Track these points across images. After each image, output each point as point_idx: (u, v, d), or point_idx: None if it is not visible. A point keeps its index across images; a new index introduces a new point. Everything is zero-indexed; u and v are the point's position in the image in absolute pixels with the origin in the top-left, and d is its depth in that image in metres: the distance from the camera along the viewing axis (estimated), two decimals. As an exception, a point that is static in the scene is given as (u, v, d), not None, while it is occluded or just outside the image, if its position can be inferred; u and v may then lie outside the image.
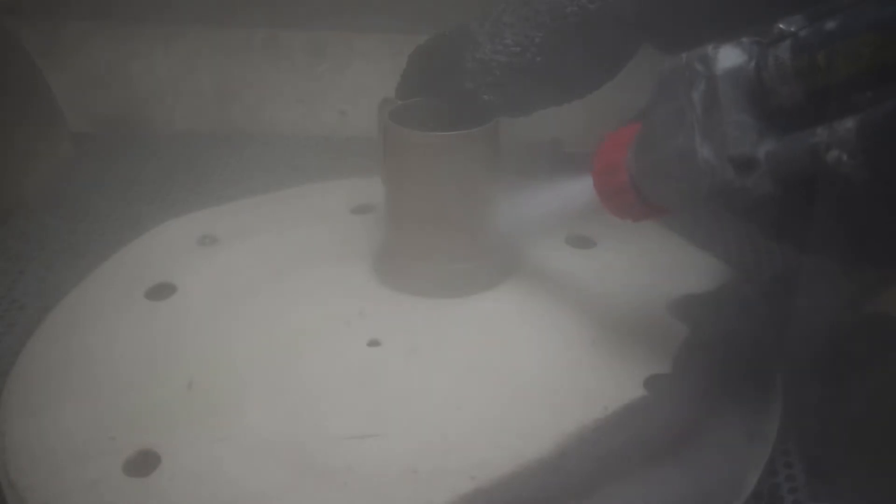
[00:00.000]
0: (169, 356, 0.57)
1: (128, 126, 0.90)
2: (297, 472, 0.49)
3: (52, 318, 0.62)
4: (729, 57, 0.45)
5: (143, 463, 0.49)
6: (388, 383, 0.55)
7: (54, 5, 0.89)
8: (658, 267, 0.64)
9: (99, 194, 0.79)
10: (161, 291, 0.63)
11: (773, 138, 0.44)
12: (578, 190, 0.55)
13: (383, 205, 0.65)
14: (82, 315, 0.62)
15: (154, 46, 0.91)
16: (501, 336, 0.59)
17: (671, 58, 0.47)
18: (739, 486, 0.49)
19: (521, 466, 0.49)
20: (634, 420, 0.52)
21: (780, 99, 0.43)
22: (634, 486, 0.48)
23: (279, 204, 0.75)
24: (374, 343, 0.58)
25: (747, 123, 0.44)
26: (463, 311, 0.61)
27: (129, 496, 0.48)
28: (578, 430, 0.51)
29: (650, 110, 0.49)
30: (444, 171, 0.60)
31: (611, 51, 0.62)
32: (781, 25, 0.43)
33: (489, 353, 0.57)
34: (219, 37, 0.92)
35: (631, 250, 0.66)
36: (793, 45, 0.43)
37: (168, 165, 0.84)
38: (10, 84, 0.79)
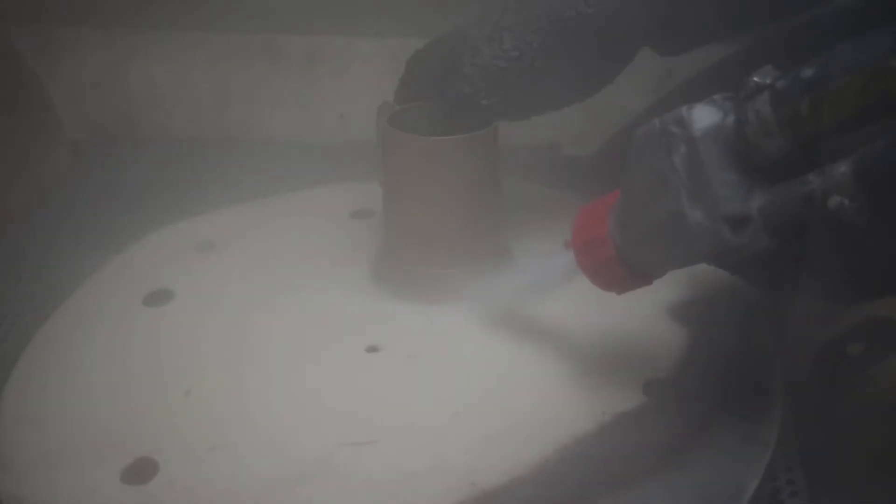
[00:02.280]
0: (167, 363, 0.57)
1: (125, 132, 0.90)
2: (295, 479, 0.49)
3: (49, 325, 0.62)
4: (704, 116, 0.44)
5: (141, 471, 0.49)
6: (387, 389, 0.55)
7: (51, 12, 0.89)
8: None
9: (96, 200, 0.79)
10: (159, 298, 0.63)
11: (762, 191, 0.44)
12: (561, 268, 0.54)
13: (382, 209, 0.65)
14: (80, 322, 0.62)
15: (151, 52, 0.91)
16: (500, 341, 0.59)
17: (642, 125, 0.47)
18: (739, 490, 0.48)
19: (520, 472, 0.48)
20: (633, 425, 0.51)
21: (765, 152, 0.43)
22: (634, 491, 0.48)
23: (278, 209, 0.75)
24: (372, 349, 0.58)
25: (734, 180, 0.44)
26: (462, 315, 0.61)
27: (126, 504, 0.47)
28: (577, 435, 0.50)
29: (627, 178, 0.48)
30: (444, 176, 0.60)
31: (609, 55, 0.62)
32: (756, 78, 0.43)
33: (488, 359, 0.57)
34: (217, 42, 0.92)
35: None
36: (772, 97, 0.43)
37: (166, 171, 0.84)
38: (7, 91, 0.79)
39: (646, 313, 0.59)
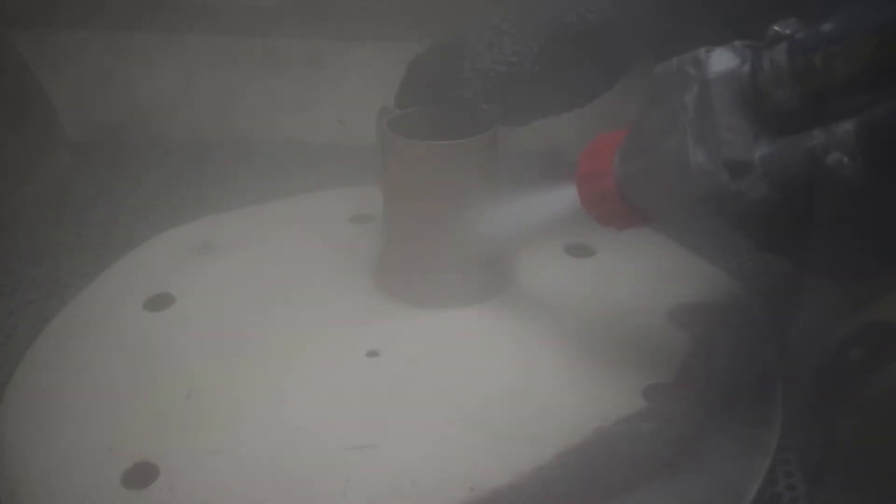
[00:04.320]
0: (168, 367, 0.57)
1: (126, 135, 0.90)
2: (295, 483, 0.49)
3: (50, 329, 0.62)
4: (721, 60, 0.45)
5: (142, 475, 0.49)
6: (387, 394, 0.55)
7: (51, 14, 0.89)
8: (658, 275, 0.64)
9: (97, 204, 0.79)
10: (160, 302, 0.63)
11: (767, 141, 0.44)
12: (561, 196, 0.54)
13: (382, 214, 0.65)
14: (81, 326, 0.62)
15: (152, 56, 0.91)
16: (501, 345, 0.59)
17: (663, 63, 0.47)
18: (739, 496, 0.48)
19: (520, 477, 0.48)
20: (634, 429, 0.52)
21: (775, 102, 0.43)
22: (634, 496, 0.48)
23: (278, 213, 0.75)
24: (372, 354, 0.58)
25: (741, 127, 0.44)
26: (462, 320, 0.61)
27: (127, 508, 0.48)
28: (577, 440, 0.51)
29: (640, 114, 0.49)
30: (443, 180, 0.60)
31: (610, 60, 0.62)
32: (777, 28, 0.44)
33: (488, 364, 0.57)
34: (217, 46, 0.92)
35: (631, 259, 0.66)
36: (789, 48, 0.43)
37: (167, 174, 0.83)
38: (8, 94, 0.79)
39: (647, 318, 0.59)
